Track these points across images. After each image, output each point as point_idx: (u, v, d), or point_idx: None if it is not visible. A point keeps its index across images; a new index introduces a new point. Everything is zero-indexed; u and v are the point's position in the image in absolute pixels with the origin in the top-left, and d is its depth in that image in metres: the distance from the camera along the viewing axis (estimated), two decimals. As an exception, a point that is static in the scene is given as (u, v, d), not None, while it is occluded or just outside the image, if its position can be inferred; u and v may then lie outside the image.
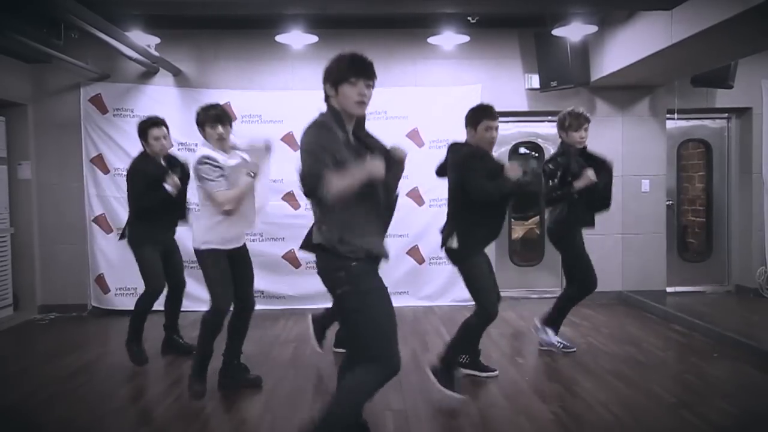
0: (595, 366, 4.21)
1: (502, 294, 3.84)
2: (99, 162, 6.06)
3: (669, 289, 6.48)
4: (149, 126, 4.30)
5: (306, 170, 2.35)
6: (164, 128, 4.34)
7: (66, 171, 6.07)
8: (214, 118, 3.63)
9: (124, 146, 5.91)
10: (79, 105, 6.03)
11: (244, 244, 3.80)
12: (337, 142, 2.37)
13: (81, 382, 4.06)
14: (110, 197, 6.03)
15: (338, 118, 2.43)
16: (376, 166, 2.30)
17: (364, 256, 2.41)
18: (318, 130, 2.41)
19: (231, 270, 3.66)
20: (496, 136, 3.73)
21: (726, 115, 6.79)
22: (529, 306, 6.05)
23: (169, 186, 4.11)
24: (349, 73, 2.41)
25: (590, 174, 4.11)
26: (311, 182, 2.32)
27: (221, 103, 6.23)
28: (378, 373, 2.44)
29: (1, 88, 5.59)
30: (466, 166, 3.63)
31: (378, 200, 2.44)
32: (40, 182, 6.09)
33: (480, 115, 3.69)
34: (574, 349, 4.51)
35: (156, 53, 5.69)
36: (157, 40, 5.75)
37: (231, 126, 3.76)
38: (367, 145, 2.53)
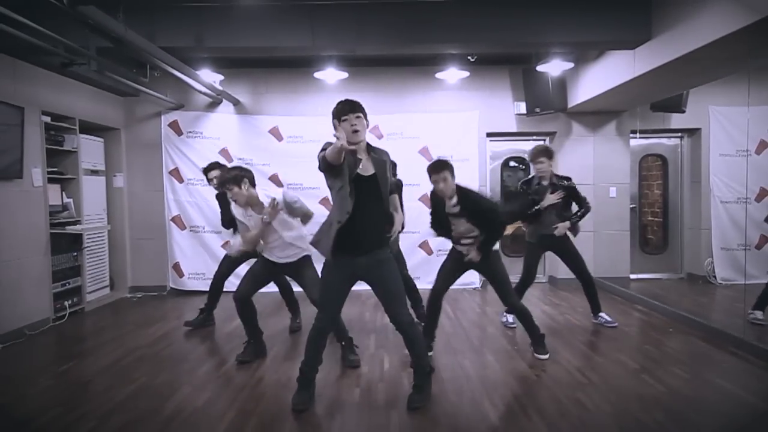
0: (571, 338, 4.18)
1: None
2: (175, 173, 6.15)
3: (632, 276, 6.37)
4: (208, 170, 4.53)
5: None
6: (216, 171, 4.36)
7: (150, 180, 6.16)
8: (233, 180, 3.35)
9: (195, 161, 6.01)
10: (160, 128, 6.13)
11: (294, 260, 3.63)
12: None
13: (162, 346, 4.13)
14: (184, 201, 6.13)
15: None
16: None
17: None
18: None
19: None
20: (441, 188, 3.42)
21: (679, 134, 6.66)
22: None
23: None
24: (340, 114, 2.61)
25: (551, 197, 4.19)
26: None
27: (271, 126, 6.34)
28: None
29: (101, 116, 5.70)
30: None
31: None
32: (130, 189, 6.19)
33: (429, 170, 3.45)
34: (616, 324, 4.43)
35: (220, 87, 5.77)
36: (221, 77, 5.84)
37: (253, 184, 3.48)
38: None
